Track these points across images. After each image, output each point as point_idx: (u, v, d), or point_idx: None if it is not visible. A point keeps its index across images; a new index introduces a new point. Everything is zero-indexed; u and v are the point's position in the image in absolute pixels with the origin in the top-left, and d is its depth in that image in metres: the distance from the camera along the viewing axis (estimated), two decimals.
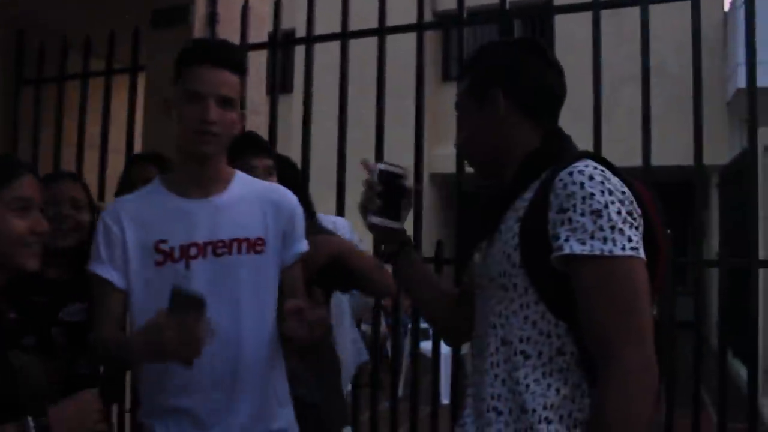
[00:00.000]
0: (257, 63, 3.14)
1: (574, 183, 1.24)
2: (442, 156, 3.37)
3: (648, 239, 1.26)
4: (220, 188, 1.70)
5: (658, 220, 1.32)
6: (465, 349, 5.29)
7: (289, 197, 1.79)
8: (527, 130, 1.40)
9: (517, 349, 1.29)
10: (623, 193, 1.25)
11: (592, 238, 1.21)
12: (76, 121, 3.47)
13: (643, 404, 1.18)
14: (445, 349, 5.04)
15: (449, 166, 2.96)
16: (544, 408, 1.25)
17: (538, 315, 1.28)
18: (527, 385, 1.27)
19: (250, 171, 2.09)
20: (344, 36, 2.83)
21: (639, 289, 1.21)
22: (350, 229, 2.55)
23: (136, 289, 1.64)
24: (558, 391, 1.25)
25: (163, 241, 1.61)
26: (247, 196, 1.73)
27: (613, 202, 1.22)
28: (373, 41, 2.83)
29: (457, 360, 2.80)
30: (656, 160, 2.49)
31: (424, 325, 5.78)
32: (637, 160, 2.41)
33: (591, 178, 1.24)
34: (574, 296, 1.23)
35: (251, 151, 2.12)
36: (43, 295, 1.97)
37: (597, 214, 1.21)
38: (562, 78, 1.44)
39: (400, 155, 2.87)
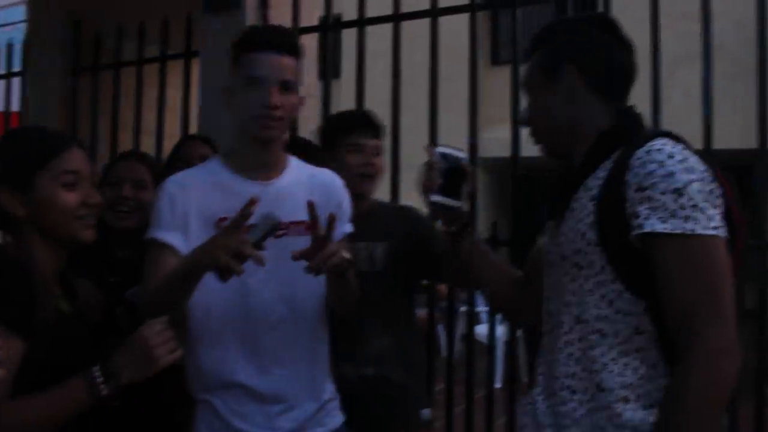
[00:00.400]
0: (308, 47, 3.13)
1: (652, 161, 1.22)
2: (492, 140, 3.33)
3: (726, 220, 1.23)
4: (278, 172, 1.75)
5: (734, 200, 1.28)
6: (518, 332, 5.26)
7: (338, 182, 1.84)
8: (599, 108, 1.39)
9: (594, 327, 1.28)
10: (703, 171, 1.23)
11: (673, 216, 1.19)
12: (132, 107, 3.53)
13: (724, 388, 1.16)
14: (497, 333, 5.05)
15: (498, 150, 2.93)
16: (622, 387, 1.24)
17: (615, 294, 1.27)
18: (604, 364, 1.26)
19: (359, 150, 2.15)
20: (396, 18, 2.81)
21: (722, 270, 1.20)
22: None
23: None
24: (636, 370, 1.25)
25: (225, 219, 1.62)
26: (302, 180, 1.77)
27: (694, 181, 1.21)
28: (420, 25, 2.81)
29: (513, 344, 2.77)
30: (714, 143, 2.41)
31: (478, 309, 5.82)
32: (694, 143, 2.33)
33: (670, 156, 1.22)
34: (652, 275, 1.22)
35: (363, 130, 2.16)
36: (116, 275, 2.00)
37: (678, 192, 1.20)
38: (633, 56, 1.42)
39: (448, 140, 2.84)
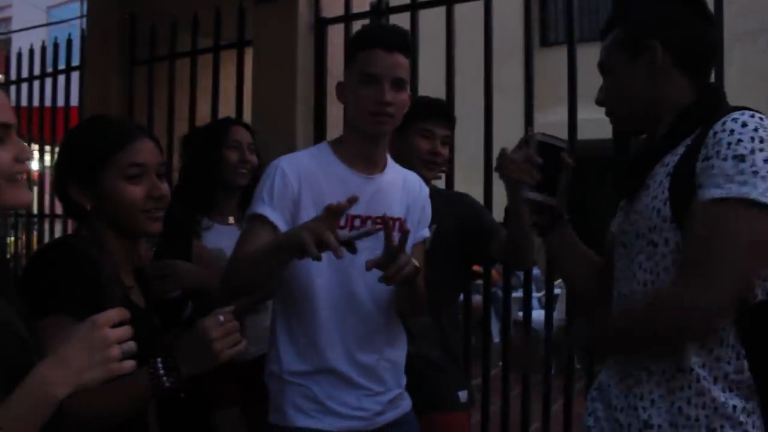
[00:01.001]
0: None
1: (724, 130, 1.20)
2: (544, 124, 3.27)
3: None
4: (381, 168, 1.82)
5: None
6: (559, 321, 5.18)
7: (425, 189, 1.93)
8: (682, 84, 1.35)
9: None
10: None
11: (730, 181, 1.15)
12: (187, 98, 3.59)
13: (656, 336, 1.23)
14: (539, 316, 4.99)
15: (551, 133, 2.90)
16: (701, 367, 1.22)
17: None
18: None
19: (429, 136, 2.22)
20: (449, 1, 2.80)
21: (751, 240, 1.15)
22: None
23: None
24: (711, 351, 1.22)
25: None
26: (398, 180, 1.86)
27: (762, 150, 1.16)
28: (466, 7, 2.79)
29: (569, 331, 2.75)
30: None
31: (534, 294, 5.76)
32: None
33: (744, 125, 1.19)
34: None
35: (436, 119, 2.23)
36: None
37: (740, 158, 1.16)
38: (716, 32, 1.40)
39: (499, 124, 2.83)
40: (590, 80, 2.67)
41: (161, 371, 1.27)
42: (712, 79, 2.30)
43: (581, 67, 2.60)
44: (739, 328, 1.21)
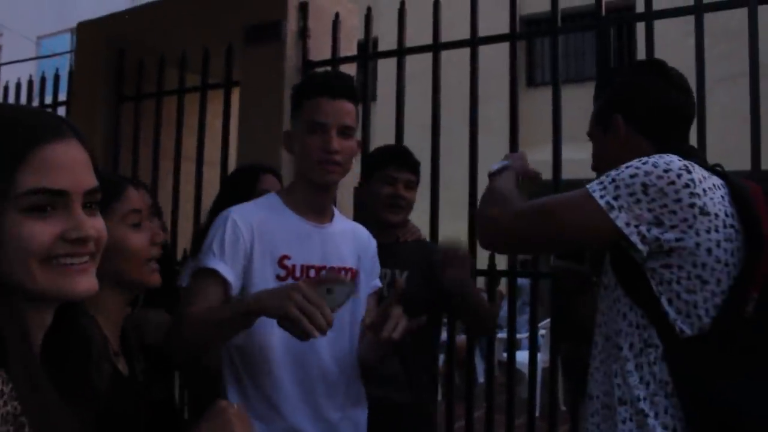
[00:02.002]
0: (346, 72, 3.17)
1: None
2: (530, 162, 3.30)
3: (752, 234, 1.29)
4: (329, 218, 1.79)
5: (766, 216, 1.32)
6: (544, 362, 5.18)
7: (373, 241, 1.91)
8: (648, 150, 1.44)
9: (614, 342, 1.38)
10: (666, 171, 1.30)
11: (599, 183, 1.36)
12: (173, 135, 3.59)
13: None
14: (522, 358, 4.96)
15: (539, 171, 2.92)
16: (642, 401, 1.30)
17: (627, 307, 1.36)
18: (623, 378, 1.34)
19: (392, 182, 2.27)
20: (436, 48, 2.83)
21: (562, 204, 1.41)
22: None
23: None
24: (648, 385, 1.30)
25: (287, 257, 1.64)
26: (346, 232, 1.83)
27: (636, 174, 1.31)
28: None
29: (555, 371, 2.73)
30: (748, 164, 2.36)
31: (519, 335, 5.74)
32: (733, 163, 2.28)
33: (645, 163, 1.33)
34: (648, 285, 1.32)
35: (397, 164, 2.28)
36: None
37: (615, 172, 1.35)
38: (686, 97, 1.50)
39: (485, 162, 2.84)
40: (575, 120, 2.73)
41: None
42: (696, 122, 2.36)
43: (566, 107, 2.64)
44: (669, 363, 1.28)
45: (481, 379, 5.82)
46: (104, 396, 1.21)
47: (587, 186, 1.35)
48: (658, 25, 2.48)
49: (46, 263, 0.86)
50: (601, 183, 1.34)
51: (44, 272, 0.86)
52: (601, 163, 1.57)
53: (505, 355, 5.09)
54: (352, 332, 1.73)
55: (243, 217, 1.67)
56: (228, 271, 1.61)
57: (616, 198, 1.30)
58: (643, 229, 1.28)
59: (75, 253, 0.88)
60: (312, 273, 1.68)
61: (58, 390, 1.09)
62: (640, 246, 1.29)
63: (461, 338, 3.22)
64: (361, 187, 2.30)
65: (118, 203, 1.36)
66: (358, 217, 2.30)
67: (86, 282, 0.90)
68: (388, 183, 2.27)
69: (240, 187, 2.37)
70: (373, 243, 1.90)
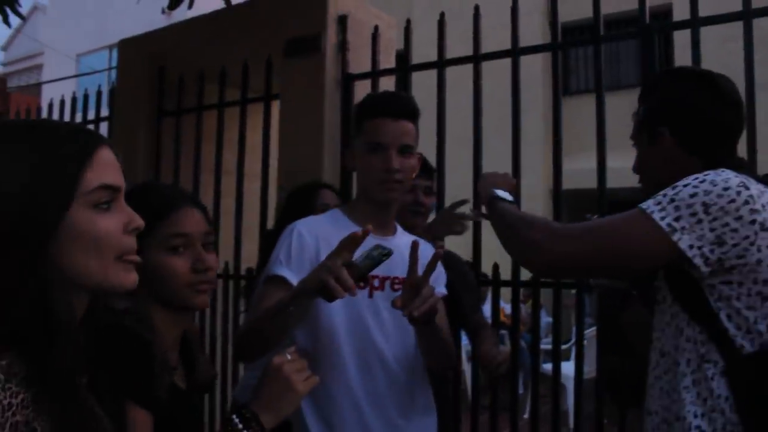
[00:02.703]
0: (386, 87, 3.17)
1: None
2: (567, 171, 3.28)
3: None
4: (392, 231, 1.85)
5: None
6: (588, 373, 5.09)
7: (432, 250, 1.89)
8: (694, 165, 1.43)
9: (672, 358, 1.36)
10: (726, 189, 1.27)
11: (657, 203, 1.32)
12: (213, 149, 3.63)
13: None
14: (566, 370, 4.89)
15: (569, 182, 2.89)
16: (699, 417, 1.27)
17: (684, 322, 1.34)
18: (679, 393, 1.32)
19: (411, 189, 2.30)
20: (476, 59, 2.81)
21: (617, 231, 1.35)
22: None
23: (321, 310, 1.68)
24: (705, 401, 1.27)
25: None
26: (408, 243, 1.80)
27: (695, 193, 1.28)
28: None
29: (579, 383, 2.69)
30: None
31: (545, 346, 5.68)
32: None
33: (702, 181, 1.30)
34: (705, 300, 1.30)
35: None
36: None
37: (673, 191, 1.31)
38: (736, 110, 1.46)
39: (522, 172, 2.82)
40: (612, 129, 2.69)
41: (239, 426, 1.18)
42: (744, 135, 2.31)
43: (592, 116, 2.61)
44: (729, 379, 1.25)
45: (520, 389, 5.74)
46: (163, 407, 1.24)
47: (642, 206, 1.32)
48: (705, 31, 2.43)
49: (118, 258, 0.95)
50: (659, 203, 1.30)
51: (117, 266, 0.95)
52: (642, 172, 1.57)
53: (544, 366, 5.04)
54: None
55: (308, 228, 1.76)
56: (294, 277, 1.66)
57: (677, 219, 1.27)
58: (705, 250, 1.26)
59: (133, 249, 0.97)
60: (376, 283, 1.73)
61: (119, 395, 1.13)
62: (703, 268, 1.27)
63: (505, 348, 3.17)
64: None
65: (162, 225, 1.33)
66: None
67: (135, 276, 0.99)
68: (408, 190, 2.27)
69: (300, 202, 2.44)
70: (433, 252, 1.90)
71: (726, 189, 1.27)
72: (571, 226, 1.40)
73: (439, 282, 1.88)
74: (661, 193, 1.31)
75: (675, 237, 1.26)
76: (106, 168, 0.97)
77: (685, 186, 1.30)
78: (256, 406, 1.21)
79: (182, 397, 1.35)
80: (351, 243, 1.45)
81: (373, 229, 1.74)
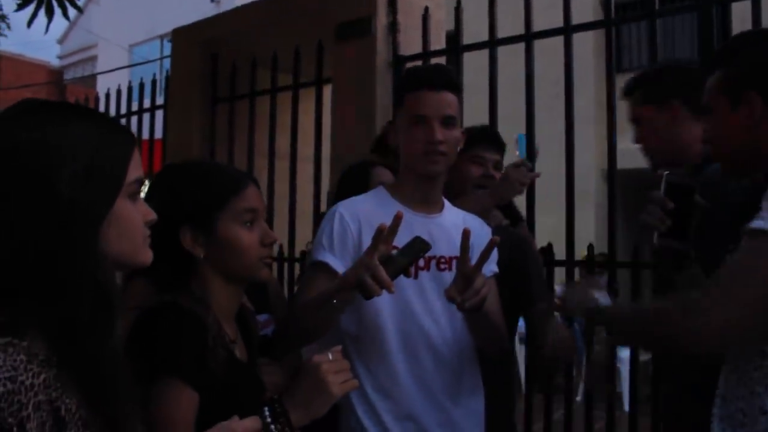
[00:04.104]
0: None
1: None
2: (620, 150, 3.25)
3: None
4: (439, 208, 1.80)
5: None
6: (644, 354, 5.00)
7: (486, 228, 1.89)
8: None
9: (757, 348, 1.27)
10: None
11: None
12: (267, 134, 3.69)
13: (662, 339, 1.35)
14: (623, 354, 4.83)
15: (624, 162, 2.84)
16: None
17: None
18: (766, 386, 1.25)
19: (481, 162, 2.23)
20: (528, 37, 2.79)
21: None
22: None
23: None
24: None
25: (395, 248, 1.62)
26: (457, 222, 1.82)
27: None
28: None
29: (636, 365, 2.66)
30: None
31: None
32: None
33: None
34: None
35: (486, 145, 2.24)
36: None
37: None
38: None
39: (575, 152, 2.79)
40: None
41: (268, 419, 1.19)
42: None
43: None
44: None
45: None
46: (220, 380, 1.28)
47: (756, 227, 1.20)
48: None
49: (143, 240, 1.05)
50: None
51: (144, 248, 1.05)
52: (719, 141, 1.43)
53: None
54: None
55: (349, 210, 1.74)
56: (337, 263, 1.67)
57: None
58: None
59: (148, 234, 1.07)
60: (422, 263, 1.70)
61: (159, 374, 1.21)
62: None
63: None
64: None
65: (236, 200, 1.38)
66: None
67: (151, 253, 1.07)
68: (477, 163, 2.23)
69: (354, 182, 2.35)
70: (487, 230, 1.88)
71: None
72: (701, 296, 1.26)
73: (491, 260, 1.81)
74: (764, 208, 1.21)
75: None
76: (139, 162, 1.06)
77: None
78: (288, 402, 1.22)
79: (242, 369, 1.39)
80: (388, 234, 1.45)
81: (419, 206, 1.75)
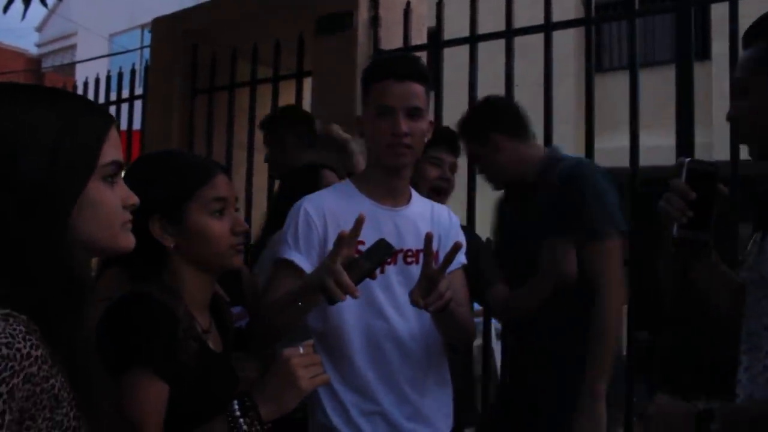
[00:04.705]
0: None
1: None
2: (600, 150, 3.26)
3: None
4: (405, 200, 1.77)
5: None
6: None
7: (454, 218, 1.88)
8: None
9: None
10: None
11: None
12: (246, 126, 3.66)
13: None
14: None
15: (602, 160, 2.87)
16: None
17: None
18: None
19: (438, 164, 2.25)
20: (509, 34, 2.79)
21: None
22: None
23: None
24: None
25: (361, 243, 1.62)
26: (425, 212, 1.81)
27: None
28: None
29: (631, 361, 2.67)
30: None
31: None
32: None
33: None
34: None
35: (444, 147, 2.27)
36: None
37: None
38: None
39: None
40: (645, 106, 2.65)
41: (237, 413, 1.18)
42: None
43: (624, 93, 2.58)
44: None
45: None
46: (192, 371, 1.28)
47: None
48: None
49: (122, 226, 1.02)
50: None
51: (122, 233, 1.03)
52: (758, 118, 1.32)
53: None
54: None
55: (315, 205, 1.70)
56: (303, 261, 1.65)
57: None
58: None
59: (129, 219, 1.05)
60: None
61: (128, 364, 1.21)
62: None
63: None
64: None
65: (204, 189, 1.37)
66: None
67: (133, 239, 1.05)
68: (434, 165, 2.26)
69: (302, 187, 2.36)
70: (455, 219, 1.87)
71: None
72: None
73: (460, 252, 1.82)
74: None
75: None
76: (116, 144, 1.02)
77: None
78: (258, 396, 1.20)
79: (215, 360, 1.38)
80: (350, 237, 1.44)
81: (386, 199, 1.72)
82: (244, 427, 1.17)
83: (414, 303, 1.50)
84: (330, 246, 1.62)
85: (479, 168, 2.37)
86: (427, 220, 1.78)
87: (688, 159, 1.35)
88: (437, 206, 1.86)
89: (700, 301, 1.51)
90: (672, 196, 1.33)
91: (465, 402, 2.32)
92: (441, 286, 1.49)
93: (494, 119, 2.27)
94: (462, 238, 1.80)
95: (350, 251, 1.44)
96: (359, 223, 1.46)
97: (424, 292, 1.50)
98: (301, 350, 1.23)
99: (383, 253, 1.48)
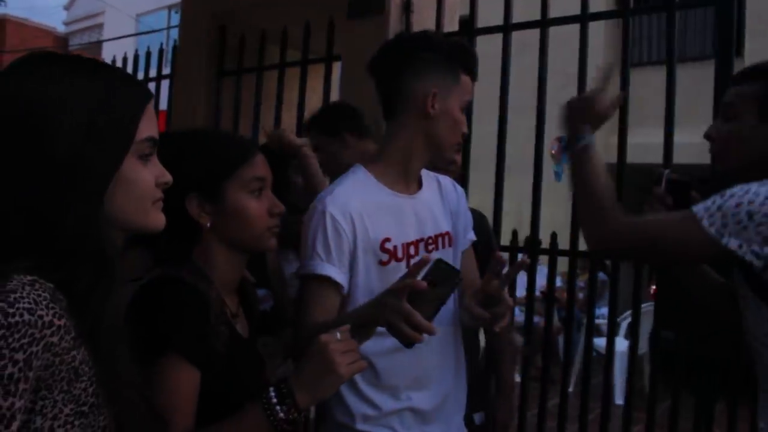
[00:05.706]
0: None
1: None
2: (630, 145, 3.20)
3: None
4: (419, 184, 1.72)
5: None
6: (643, 348, 4.98)
7: (459, 189, 1.82)
8: None
9: None
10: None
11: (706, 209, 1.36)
12: (273, 110, 3.63)
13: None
14: (621, 347, 4.83)
15: (633, 156, 2.82)
16: None
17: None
18: None
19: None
20: (544, 23, 2.74)
21: None
22: None
23: (359, 290, 1.57)
24: None
25: (387, 240, 1.58)
26: (434, 189, 1.75)
27: (741, 204, 1.28)
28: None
29: (634, 359, 2.65)
30: None
31: (598, 320, 5.62)
32: None
33: (746, 192, 1.29)
34: None
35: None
36: None
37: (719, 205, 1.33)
38: None
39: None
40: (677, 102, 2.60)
41: (274, 400, 1.14)
42: None
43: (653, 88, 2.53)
44: None
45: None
46: (222, 357, 1.26)
47: (693, 210, 1.36)
48: None
49: (153, 204, 1.00)
50: (708, 209, 1.34)
51: (153, 211, 1.01)
52: (733, 144, 1.49)
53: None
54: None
55: (339, 209, 1.56)
56: (338, 274, 1.54)
57: (724, 226, 1.31)
58: (755, 248, 1.29)
59: (161, 197, 1.03)
60: (412, 250, 1.62)
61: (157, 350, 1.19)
62: (756, 262, 1.29)
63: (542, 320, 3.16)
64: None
65: (244, 168, 1.35)
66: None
67: (163, 218, 1.04)
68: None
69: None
70: (460, 191, 1.82)
71: None
72: (627, 224, 1.46)
73: (468, 228, 1.80)
74: (710, 199, 1.35)
75: (724, 240, 1.31)
76: (152, 120, 0.99)
77: (731, 197, 1.33)
78: (295, 383, 1.16)
79: (243, 346, 1.36)
80: (408, 285, 1.29)
81: (403, 186, 1.65)
82: (281, 415, 1.13)
83: (478, 318, 1.43)
84: (360, 251, 1.56)
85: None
86: (438, 199, 1.74)
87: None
88: (442, 179, 1.79)
89: (701, 307, 1.70)
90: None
91: (476, 386, 2.28)
92: (505, 304, 1.42)
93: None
94: (468, 211, 1.82)
95: (414, 285, 1.29)
96: (419, 266, 1.32)
97: (485, 311, 1.42)
98: (338, 336, 1.18)
99: (448, 276, 1.32)
